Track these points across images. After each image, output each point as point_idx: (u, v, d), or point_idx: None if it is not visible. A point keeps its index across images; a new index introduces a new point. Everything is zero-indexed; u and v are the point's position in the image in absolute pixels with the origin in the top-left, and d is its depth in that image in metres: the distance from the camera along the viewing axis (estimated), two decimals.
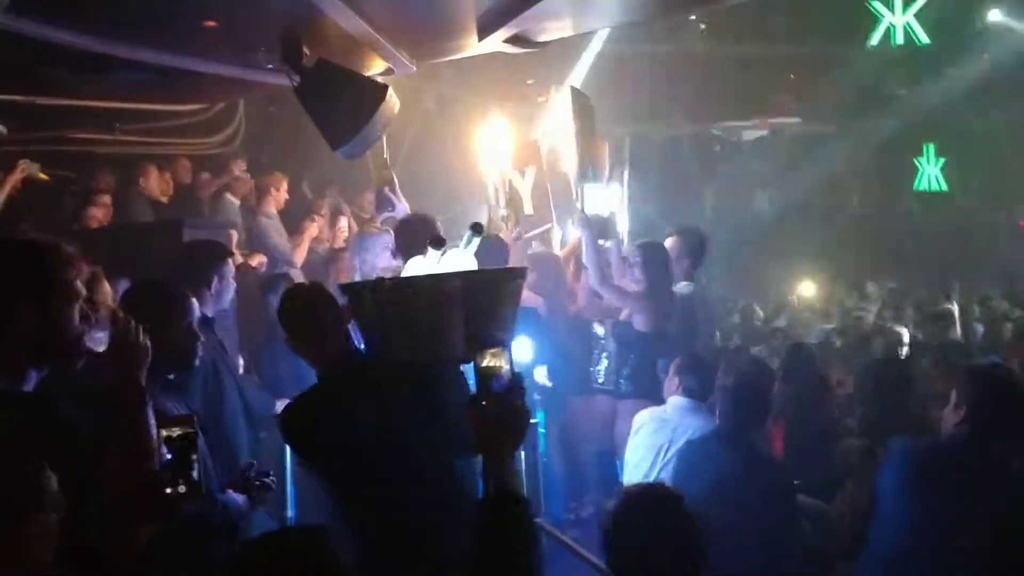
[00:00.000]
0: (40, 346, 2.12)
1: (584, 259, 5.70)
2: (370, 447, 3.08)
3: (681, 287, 5.89)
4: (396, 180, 6.32)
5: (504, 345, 1.97)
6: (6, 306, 2.09)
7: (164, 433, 1.99)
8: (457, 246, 3.33)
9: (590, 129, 6.44)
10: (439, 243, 3.30)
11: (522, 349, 5.08)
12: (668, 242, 5.99)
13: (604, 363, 5.97)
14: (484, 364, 1.94)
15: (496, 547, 1.90)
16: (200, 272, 4.12)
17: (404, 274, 3.49)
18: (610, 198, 6.68)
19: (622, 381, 5.59)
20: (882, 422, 5.17)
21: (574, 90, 6.32)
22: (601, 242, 6.30)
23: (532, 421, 1.96)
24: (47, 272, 2.14)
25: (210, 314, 4.11)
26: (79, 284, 2.19)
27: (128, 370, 2.16)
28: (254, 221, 7.74)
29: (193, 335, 3.20)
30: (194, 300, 3.31)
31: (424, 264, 3.33)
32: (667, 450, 4.51)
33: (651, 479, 4.53)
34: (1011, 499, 3.45)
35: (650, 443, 4.57)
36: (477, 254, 5.05)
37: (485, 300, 2.94)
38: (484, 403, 1.93)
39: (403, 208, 6.04)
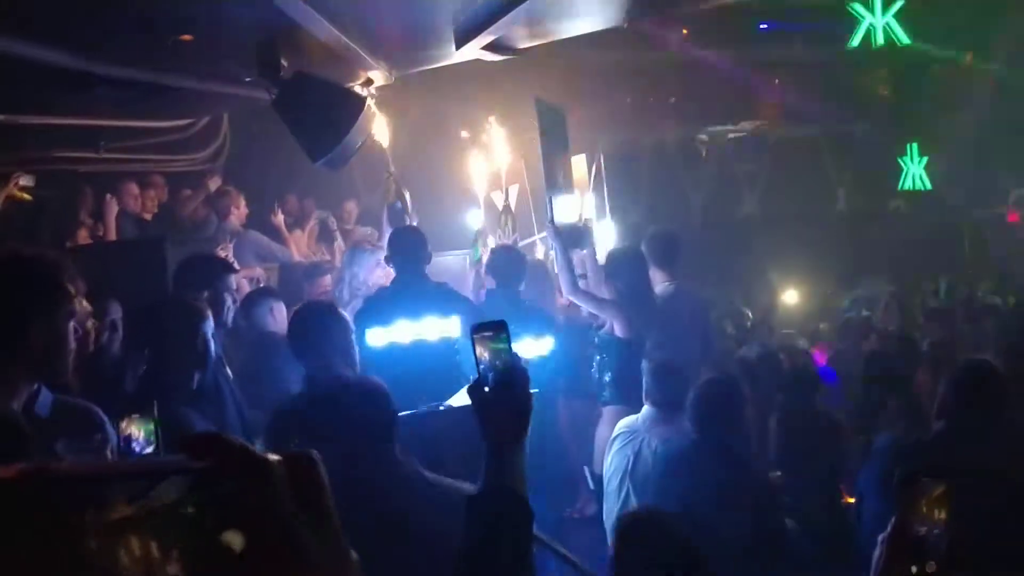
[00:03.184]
0: (43, 363, 2.09)
1: (556, 269, 5.69)
2: None
3: (662, 288, 5.89)
4: (408, 194, 6.31)
5: (503, 329, 1.88)
6: (20, 323, 2.06)
7: (126, 425, 1.99)
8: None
9: (561, 141, 6.42)
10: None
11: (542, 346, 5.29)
12: (643, 248, 6.00)
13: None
14: (479, 347, 1.86)
15: (483, 544, 1.83)
16: (209, 286, 4.12)
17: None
18: (585, 208, 6.70)
19: (604, 387, 5.59)
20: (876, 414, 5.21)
21: (539, 103, 6.29)
22: (576, 252, 6.35)
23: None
24: (56, 289, 2.12)
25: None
26: (76, 302, 2.19)
27: None
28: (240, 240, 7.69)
29: (210, 344, 3.30)
30: (209, 311, 3.39)
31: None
32: (633, 463, 4.55)
33: (621, 492, 4.59)
34: (989, 493, 3.45)
35: (620, 458, 4.62)
36: (497, 266, 5.27)
37: None
38: (485, 389, 1.85)
39: (414, 222, 6.10)
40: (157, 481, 0.57)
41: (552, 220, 5.83)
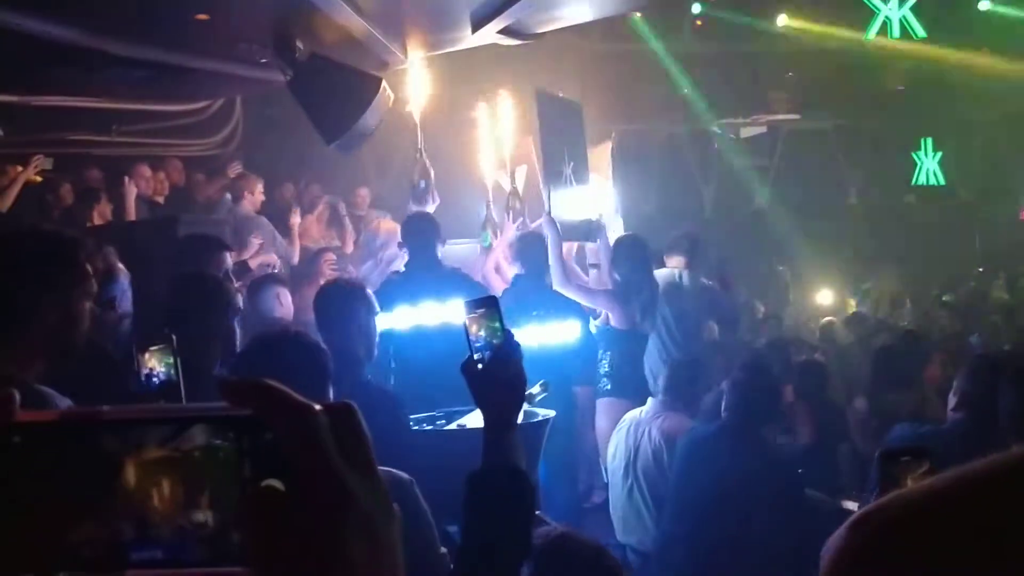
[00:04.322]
0: (56, 341, 2.09)
1: (549, 259, 5.65)
2: None
3: (676, 273, 5.86)
4: (432, 173, 6.25)
5: (495, 305, 1.86)
6: (33, 298, 2.06)
7: (148, 357, 2.00)
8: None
9: (570, 134, 6.37)
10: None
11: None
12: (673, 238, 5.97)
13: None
14: (473, 328, 1.84)
15: (484, 520, 1.82)
16: (200, 265, 4.09)
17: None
18: (603, 200, 6.69)
19: (602, 379, 5.57)
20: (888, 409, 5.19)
21: (541, 95, 6.17)
22: (590, 245, 6.35)
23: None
24: (73, 266, 2.11)
25: None
26: (94, 282, 2.19)
27: None
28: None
29: (234, 327, 3.29)
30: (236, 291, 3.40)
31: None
32: (634, 454, 4.56)
33: (626, 484, 4.59)
34: None
35: (623, 449, 4.61)
36: (524, 252, 5.29)
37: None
38: (479, 365, 1.83)
39: (436, 200, 6.08)
40: (188, 424, 0.57)
41: (549, 211, 5.80)
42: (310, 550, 0.55)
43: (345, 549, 0.56)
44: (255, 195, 7.62)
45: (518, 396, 1.88)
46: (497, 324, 1.84)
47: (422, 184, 6.00)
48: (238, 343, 3.36)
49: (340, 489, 0.57)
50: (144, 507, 0.56)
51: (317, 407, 0.58)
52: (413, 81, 6.09)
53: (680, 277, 5.91)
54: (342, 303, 3.58)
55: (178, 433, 0.56)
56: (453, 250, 6.52)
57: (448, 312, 4.64)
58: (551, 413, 4.08)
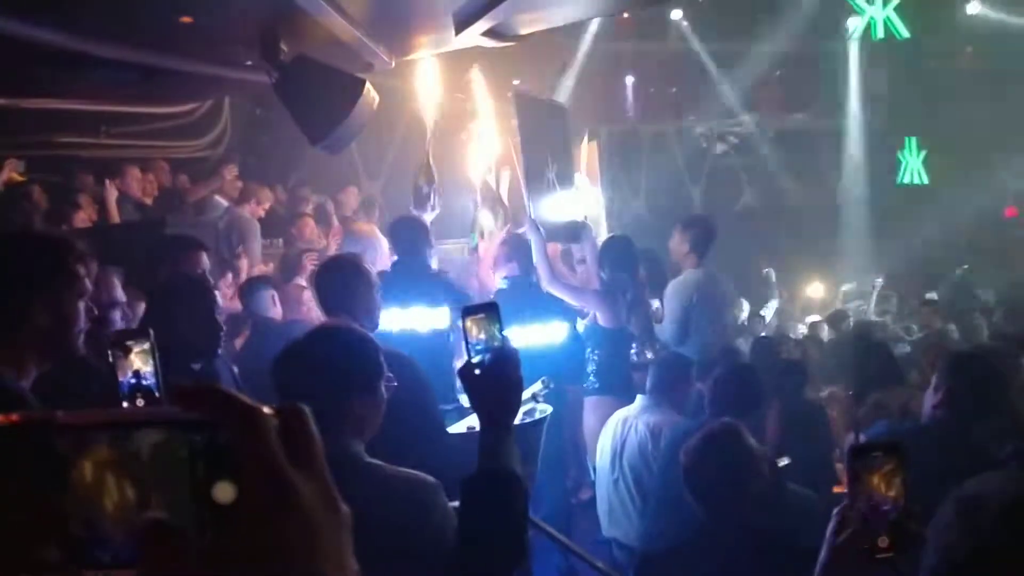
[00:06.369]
0: (49, 342, 2.09)
1: (534, 260, 5.65)
2: None
3: (695, 272, 5.81)
4: (436, 175, 6.17)
5: (495, 311, 1.88)
6: (23, 300, 2.06)
7: (131, 359, 1.97)
8: None
9: (553, 136, 6.36)
10: None
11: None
12: (675, 237, 5.89)
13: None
14: (473, 332, 1.86)
15: (480, 522, 1.85)
16: (163, 266, 4.08)
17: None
18: (589, 201, 6.71)
19: (590, 378, 5.61)
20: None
21: (519, 97, 6.13)
22: (574, 246, 6.37)
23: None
24: (62, 267, 2.11)
25: None
26: (87, 281, 2.18)
27: None
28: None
29: (218, 325, 3.27)
30: (217, 292, 3.39)
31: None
32: (621, 448, 4.60)
33: (612, 476, 4.64)
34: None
35: (611, 444, 4.66)
36: (513, 254, 5.30)
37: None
38: (477, 372, 1.85)
39: (437, 208, 6.04)
40: (142, 427, 0.58)
41: (531, 215, 5.77)
42: (253, 548, 0.57)
43: (287, 548, 0.58)
44: (257, 207, 7.60)
45: (515, 400, 1.89)
46: (496, 329, 1.86)
47: (424, 188, 5.90)
48: (221, 339, 3.38)
49: (284, 489, 0.58)
50: (97, 508, 0.57)
51: (266, 409, 0.60)
52: (423, 83, 6.05)
53: (706, 278, 5.81)
54: (342, 278, 3.59)
55: (126, 434, 0.58)
56: (443, 250, 6.55)
57: (418, 318, 4.66)
58: (548, 409, 4.10)
